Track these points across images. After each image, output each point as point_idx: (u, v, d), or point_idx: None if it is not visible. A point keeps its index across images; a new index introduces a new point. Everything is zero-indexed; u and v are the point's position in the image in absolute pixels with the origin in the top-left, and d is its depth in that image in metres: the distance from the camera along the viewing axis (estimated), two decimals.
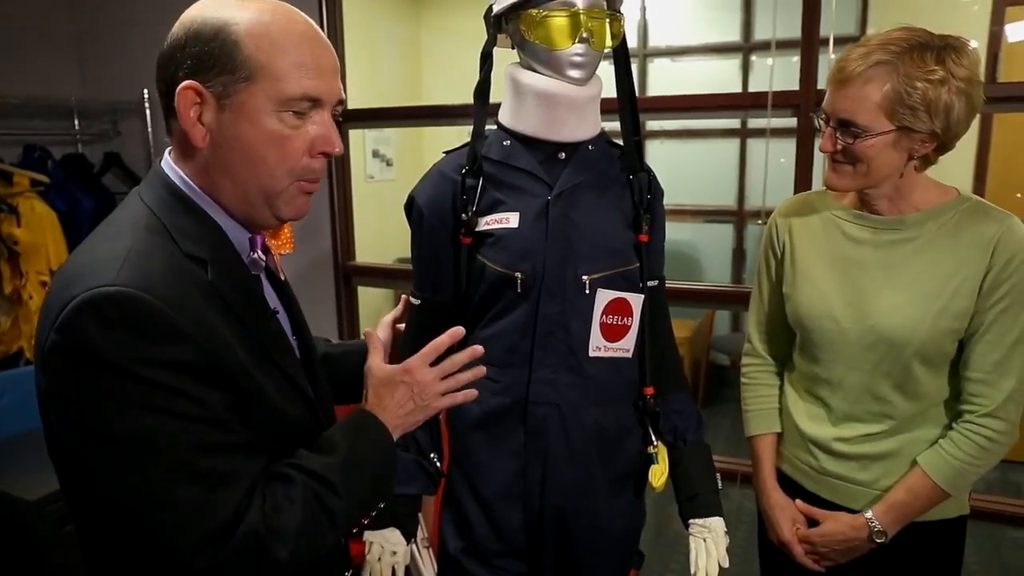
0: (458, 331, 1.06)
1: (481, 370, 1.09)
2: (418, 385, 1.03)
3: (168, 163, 0.91)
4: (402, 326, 1.36)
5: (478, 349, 1.07)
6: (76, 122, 3.09)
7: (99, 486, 0.83)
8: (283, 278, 1.04)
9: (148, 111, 3.03)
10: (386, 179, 4.67)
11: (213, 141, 0.86)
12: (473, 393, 1.09)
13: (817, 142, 1.99)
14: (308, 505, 0.87)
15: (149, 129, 3.04)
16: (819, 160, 2.00)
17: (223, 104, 0.85)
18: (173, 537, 0.80)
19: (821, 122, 1.27)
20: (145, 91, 3.01)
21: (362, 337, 1.18)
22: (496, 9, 1.26)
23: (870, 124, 1.18)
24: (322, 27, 2.60)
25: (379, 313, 4.57)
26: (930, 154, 1.24)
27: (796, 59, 2.03)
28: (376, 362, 1.06)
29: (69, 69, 3.14)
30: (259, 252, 0.94)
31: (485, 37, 1.31)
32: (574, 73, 1.23)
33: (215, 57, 0.83)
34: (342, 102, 0.93)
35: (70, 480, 0.89)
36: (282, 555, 0.84)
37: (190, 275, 0.84)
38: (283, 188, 0.89)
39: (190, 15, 0.87)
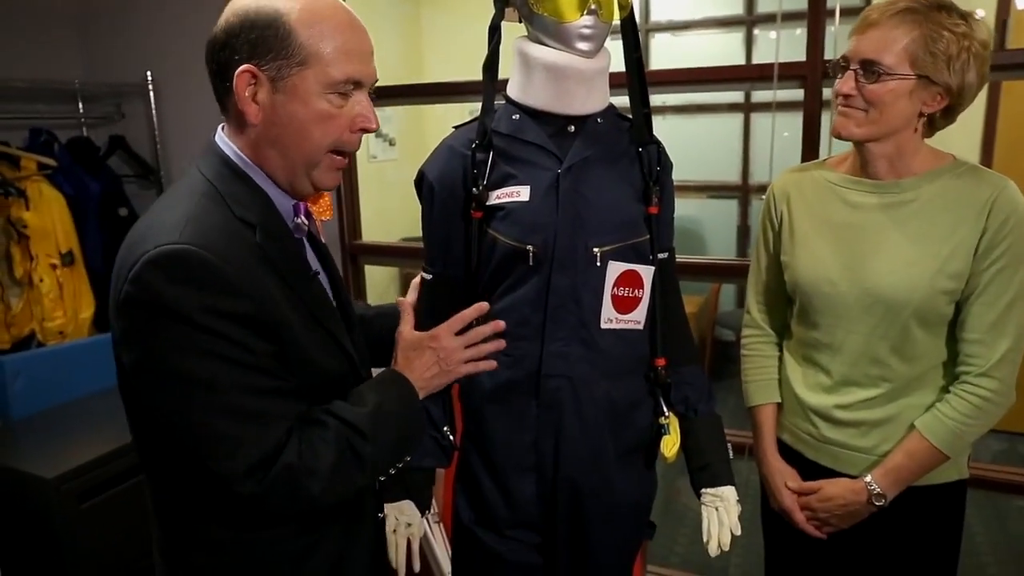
0: (483, 306, 1.17)
1: (501, 343, 1.19)
2: (444, 351, 1.14)
3: (222, 137, 1.02)
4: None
5: (500, 323, 1.18)
6: (80, 105, 3.08)
7: (163, 420, 0.94)
8: (323, 240, 1.15)
9: (152, 93, 3.02)
10: (389, 159, 4.66)
11: (266, 118, 0.97)
12: (493, 363, 1.19)
13: (826, 119, 2.00)
14: (340, 448, 0.97)
15: (153, 111, 3.03)
16: (825, 133, 2.01)
17: (277, 86, 0.95)
18: (223, 465, 0.91)
19: (840, 69, 1.28)
20: (148, 73, 3.00)
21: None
22: None
23: (893, 66, 1.21)
24: None
25: (385, 291, 4.59)
26: (937, 117, 1.26)
27: (800, 31, 2.02)
28: (407, 328, 1.18)
29: (71, 51, 3.13)
30: (302, 217, 1.05)
31: (486, 14, 1.30)
32: (583, 45, 1.23)
33: (270, 43, 0.93)
34: (376, 81, 1.03)
35: (138, 418, 1.01)
36: (315, 489, 0.95)
37: (241, 237, 0.95)
38: (320, 160, 1.00)
39: (242, 4, 0.96)
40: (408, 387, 1.10)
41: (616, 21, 1.27)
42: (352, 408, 1.02)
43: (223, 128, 1.03)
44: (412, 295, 1.39)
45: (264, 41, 0.93)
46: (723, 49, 4.68)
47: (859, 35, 1.25)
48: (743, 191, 4.79)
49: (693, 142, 4.67)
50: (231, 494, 0.92)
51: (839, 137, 1.31)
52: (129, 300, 0.89)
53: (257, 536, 1.03)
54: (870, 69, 1.23)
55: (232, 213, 0.96)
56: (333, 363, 1.06)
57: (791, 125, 2.18)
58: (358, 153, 2.88)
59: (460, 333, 1.16)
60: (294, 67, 0.94)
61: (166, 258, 0.87)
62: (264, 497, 0.93)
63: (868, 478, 1.33)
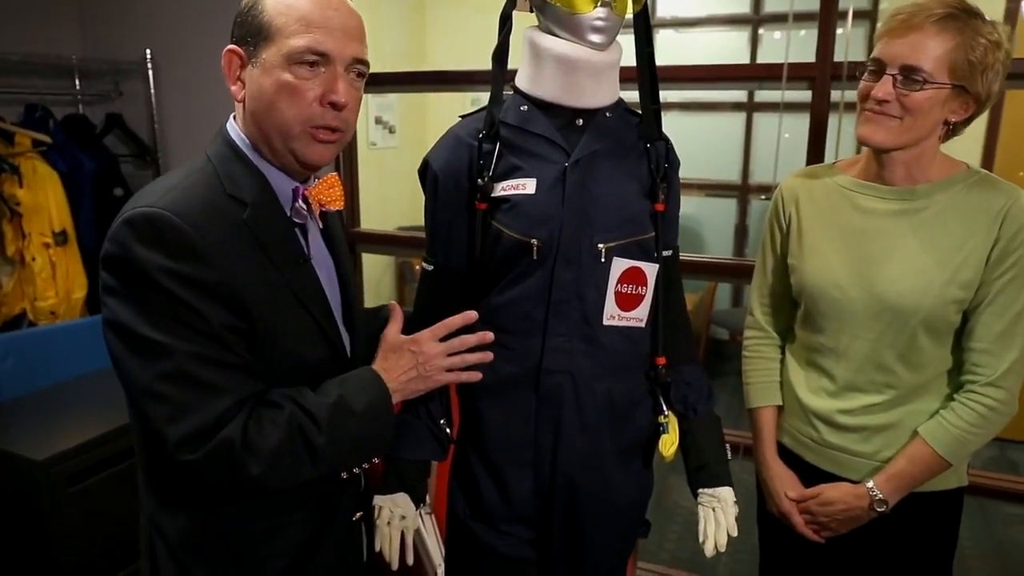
0: (471, 315, 1.18)
1: (488, 355, 1.19)
2: (423, 356, 1.15)
3: (231, 121, 1.07)
4: None
5: (488, 335, 1.19)
6: (77, 82, 3.05)
7: (121, 378, 0.97)
8: (321, 227, 1.14)
9: (151, 72, 2.98)
10: (388, 146, 4.63)
11: (248, 95, 1.02)
12: (477, 375, 1.20)
13: (833, 121, 1.99)
14: (290, 433, 0.98)
15: (151, 90, 3.00)
16: (832, 134, 2.00)
17: (253, 63, 1.00)
18: (165, 429, 0.93)
19: (868, 72, 1.26)
20: (148, 51, 2.96)
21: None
22: None
23: (934, 73, 1.19)
24: None
25: (379, 281, 4.57)
26: (959, 124, 1.25)
27: (804, 33, 2.01)
28: (392, 330, 1.18)
29: (70, 27, 3.10)
30: (300, 202, 1.06)
31: (489, 4, 1.28)
32: (595, 37, 1.21)
33: (249, 24, 0.99)
34: (361, 62, 1.04)
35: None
36: (254, 470, 0.95)
37: (227, 212, 0.98)
38: (296, 133, 1.01)
39: None
40: (380, 388, 1.10)
41: (629, 15, 1.25)
42: (314, 396, 1.02)
43: (235, 114, 1.07)
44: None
45: (246, 22, 0.99)
46: (728, 47, 4.67)
47: (897, 38, 1.21)
48: (743, 191, 4.78)
49: (694, 140, 4.67)
50: (171, 459, 0.94)
51: (865, 144, 1.29)
52: (105, 257, 0.94)
53: (220, 511, 1.05)
54: (911, 76, 1.20)
55: (223, 189, 0.99)
56: (313, 351, 1.06)
57: (793, 126, 2.17)
58: (357, 140, 2.86)
59: (446, 339, 1.17)
60: (261, 42, 0.98)
61: (140, 219, 0.92)
62: (201, 468, 0.94)
63: (870, 484, 1.33)
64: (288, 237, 1.05)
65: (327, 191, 1.09)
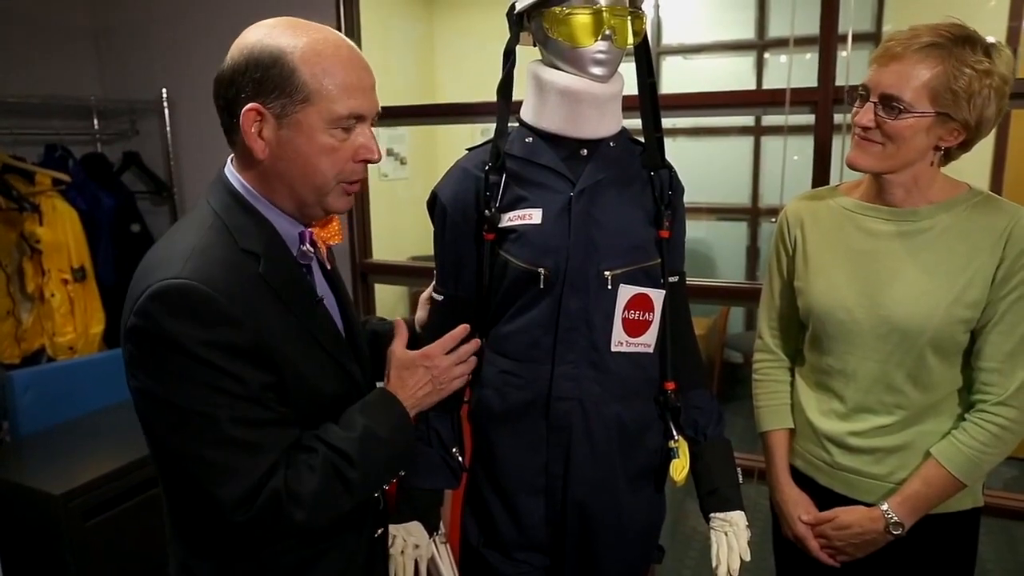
0: (466, 327, 1.25)
1: (473, 345, 1.26)
2: (437, 369, 1.19)
3: (230, 170, 1.05)
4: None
5: (477, 341, 1.27)
6: (95, 121, 3.12)
7: (162, 445, 0.98)
8: (329, 267, 1.17)
9: (167, 110, 3.05)
10: (400, 177, 4.68)
11: (272, 153, 0.99)
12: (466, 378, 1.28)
13: (837, 143, 2.00)
14: (326, 474, 1.00)
15: (167, 128, 3.07)
16: (837, 158, 2.01)
17: (281, 122, 0.97)
18: (216, 493, 0.94)
19: (859, 98, 1.28)
20: (164, 90, 3.03)
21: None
22: (519, 7, 1.27)
23: (914, 102, 1.21)
24: (339, 27, 2.63)
25: (393, 311, 4.59)
26: (953, 150, 1.26)
27: (810, 56, 2.03)
28: (399, 347, 1.21)
29: (87, 68, 3.18)
30: (307, 245, 1.07)
31: (498, 34, 1.32)
32: (597, 70, 1.24)
33: (274, 82, 0.95)
34: (379, 113, 1.06)
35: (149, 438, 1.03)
36: (298, 516, 0.97)
37: (244, 268, 0.98)
38: (331, 189, 1.03)
39: (248, 42, 0.97)
40: (398, 409, 1.13)
41: (630, 47, 1.28)
42: (341, 432, 1.04)
43: (232, 160, 1.05)
44: (421, 312, 1.41)
45: (269, 79, 0.95)
46: (734, 72, 4.70)
47: (880, 66, 1.24)
48: (753, 214, 4.79)
49: (703, 164, 4.68)
50: (223, 520, 0.95)
51: (854, 168, 1.31)
52: (134, 330, 0.93)
53: (256, 552, 1.06)
54: (890, 104, 1.22)
55: (236, 244, 0.99)
56: (334, 385, 1.09)
57: (801, 148, 2.18)
58: (369, 172, 2.91)
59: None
60: (298, 104, 0.96)
61: (168, 292, 0.91)
62: (252, 525, 0.96)
63: (885, 506, 1.32)
64: (300, 281, 1.06)
65: (328, 227, 1.11)
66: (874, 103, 1.24)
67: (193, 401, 0.92)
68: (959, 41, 1.19)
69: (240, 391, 0.94)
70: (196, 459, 0.94)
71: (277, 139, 0.98)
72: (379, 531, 1.24)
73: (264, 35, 0.97)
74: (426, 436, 1.34)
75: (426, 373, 1.17)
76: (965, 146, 1.27)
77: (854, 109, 1.29)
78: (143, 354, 0.93)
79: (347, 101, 0.98)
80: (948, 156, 1.29)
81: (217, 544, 1.06)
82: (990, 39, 1.24)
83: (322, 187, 1.01)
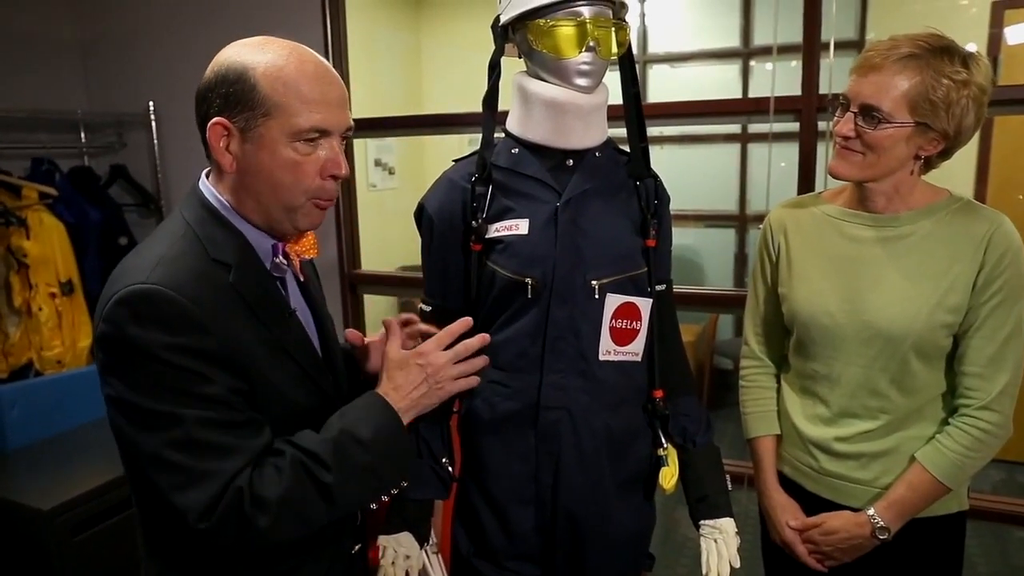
0: (468, 320, 1.14)
1: (486, 359, 1.16)
2: (432, 367, 1.10)
3: (204, 182, 1.06)
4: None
5: (486, 336, 1.15)
6: (82, 135, 3.12)
7: (131, 451, 0.96)
8: (302, 279, 1.15)
9: (154, 123, 3.04)
10: (388, 188, 4.68)
11: (239, 167, 1.00)
12: (477, 379, 1.15)
13: (822, 150, 2.02)
14: (296, 478, 0.96)
15: (155, 141, 3.06)
16: (821, 164, 2.03)
17: (246, 136, 0.98)
18: (181, 497, 0.92)
19: (840, 107, 1.29)
20: (151, 103, 3.03)
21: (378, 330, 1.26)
22: (503, 19, 1.28)
23: (892, 112, 1.22)
24: (326, 38, 2.63)
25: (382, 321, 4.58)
26: (933, 158, 1.28)
27: (795, 64, 2.05)
28: (393, 346, 1.13)
29: (74, 81, 3.17)
30: (280, 257, 1.06)
31: (485, 45, 1.33)
32: (581, 81, 1.25)
33: (238, 97, 0.97)
34: (351, 129, 1.05)
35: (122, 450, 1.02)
36: (262, 523, 0.93)
37: (214, 277, 0.98)
38: (299, 205, 1.02)
39: (220, 59, 1.00)
40: (386, 411, 1.06)
41: (614, 57, 1.29)
42: (314, 436, 1.01)
43: (207, 174, 1.07)
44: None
45: (233, 95, 0.97)
46: (720, 80, 4.73)
47: (860, 77, 1.26)
48: (740, 220, 4.82)
49: (690, 172, 4.70)
50: (188, 527, 0.92)
51: (835, 177, 1.33)
52: (102, 337, 0.93)
53: (230, 570, 1.04)
54: (869, 114, 1.23)
55: (207, 254, 0.99)
56: (306, 398, 1.06)
57: (788, 155, 2.20)
58: (357, 182, 2.91)
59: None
60: (259, 118, 0.97)
61: (133, 297, 0.91)
62: (215, 532, 0.93)
63: (871, 511, 1.33)
64: (272, 293, 1.05)
65: (302, 241, 1.10)
66: (854, 113, 1.26)
67: (160, 403, 0.91)
68: (937, 52, 1.21)
69: (209, 392, 0.93)
70: (163, 463, 0.92)
71: (243, 153, 0.99)
72: (356, 547, 1.21)
73: (235, 52, 0.99)
74: (416, 447, 1.34)
75: (420, 371, 1.09)
76: (945, 154, 1.29)
77: (835, 119, 1.31)
78: (111, 360, 0.93)
79: (309, 115, 0.97)
80: (928, 164, 1.31)
81: (189, 562, 1.03)
82: (971, 47, 1.25)
83: (290, 203, 1.01)
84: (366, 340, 1.29)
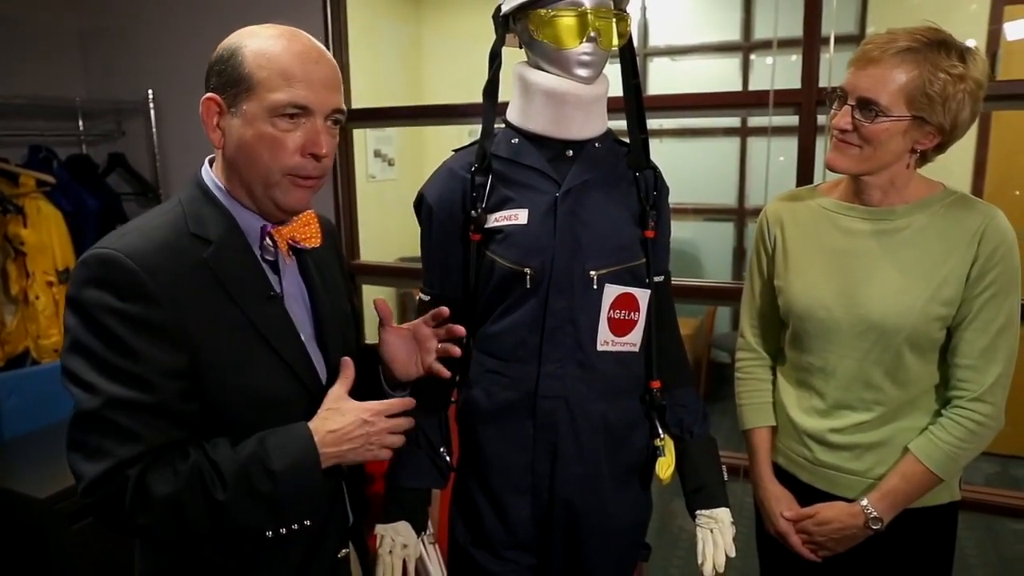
0: (410, 401, 1.12)
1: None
2: (376, 433, 1.07)
3: (206, 167, 1.09)
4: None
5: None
6: (81, 123, 3.10)
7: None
8: (289, 263, 1.12)
9: (152, 111, 3.03)
10: (388, 179, 4.68)
11: (226, 143, 1.03)
12: (389, 453, 1.10)
13: (821, 144, 2.02)
14: (189, 485, 0.95)
15: (154, 129, 3.05)
16: (820, 159, 2.03)
17: (232, 112, 1.01)
18: (74, 462, 0.95)
19: (837, 100, 1.30)
20: (150, 91, 3.02)
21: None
22: (504, 9, 1.28)
23: (890, 106, 1.22)
24: (326, 27, 2.63)
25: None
26: (929, 152, 1.29)
27: (795, 58, 2.05)
28: (339, 390, 1.08)
29: (73, 69, 3.16)
30: (267, 240, 1.07)
31: (485, 36, 1.33)
32: (582, 72, 1.25)
33: (227, 74, 1.01)
34: (339, 111, 1.06)
35: None
36: (140, 519, 0.94)
37: (188, 252, 1.00)
38: (276, 181, 1.03)
39: (223, 42, 1.04)
40: (309, 448, 1.01)
41: (615, 48, 1.29)
42: (227, 450, 0.98)
43: (210, 161, 1.10)
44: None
45: (224, 72, 1.01)
46: (720, 74, 4.73)
47: (858, 70, 1.26)
48: (739, 214, 4.82)
49: (690, 165, 4.71)
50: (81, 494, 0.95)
51: (832, 170, 1.33)
52: (66, 297, 0.97)
53: (196, 550, 1.06)
54: (866, 107, 1.24)
55: (187, 229, 1.01)
56: (281, 388, 1.05)
57: (787, 149, 2.20)
58: (356, 173, 2.91)
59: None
60: (243, 93, 1.00)
61: (93, 259, 0.95)
62: (97, 512, 0.95)
63: (864, 502, 1.34)
64: (254, 275, 1.05)
65: (302, 228, 1.10)
66: (851, 106, 1.26)
67: (87, 372, 0.93)
68: (934, 46, 1.21)
69: (134, 370, 0.93)
70: (74, 423, 0.95)
71: (228, 128, 1.02)
72: (343, 552, 1.18)
73: (236, 34, 1.03)
74: (414, 436, 1.35)
75: (363, 427, 1.05)
76: (941, 148, 1.29)
77: (832, 111, 1.31)
78: (70, 319, 0.95)
79: (288, 90, 0.99)
80: (924, 158, 1.31)
81: (182, 546, 1.05)
82: (970, 42, 1.25)
83: (266, 178, 1.02)
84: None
